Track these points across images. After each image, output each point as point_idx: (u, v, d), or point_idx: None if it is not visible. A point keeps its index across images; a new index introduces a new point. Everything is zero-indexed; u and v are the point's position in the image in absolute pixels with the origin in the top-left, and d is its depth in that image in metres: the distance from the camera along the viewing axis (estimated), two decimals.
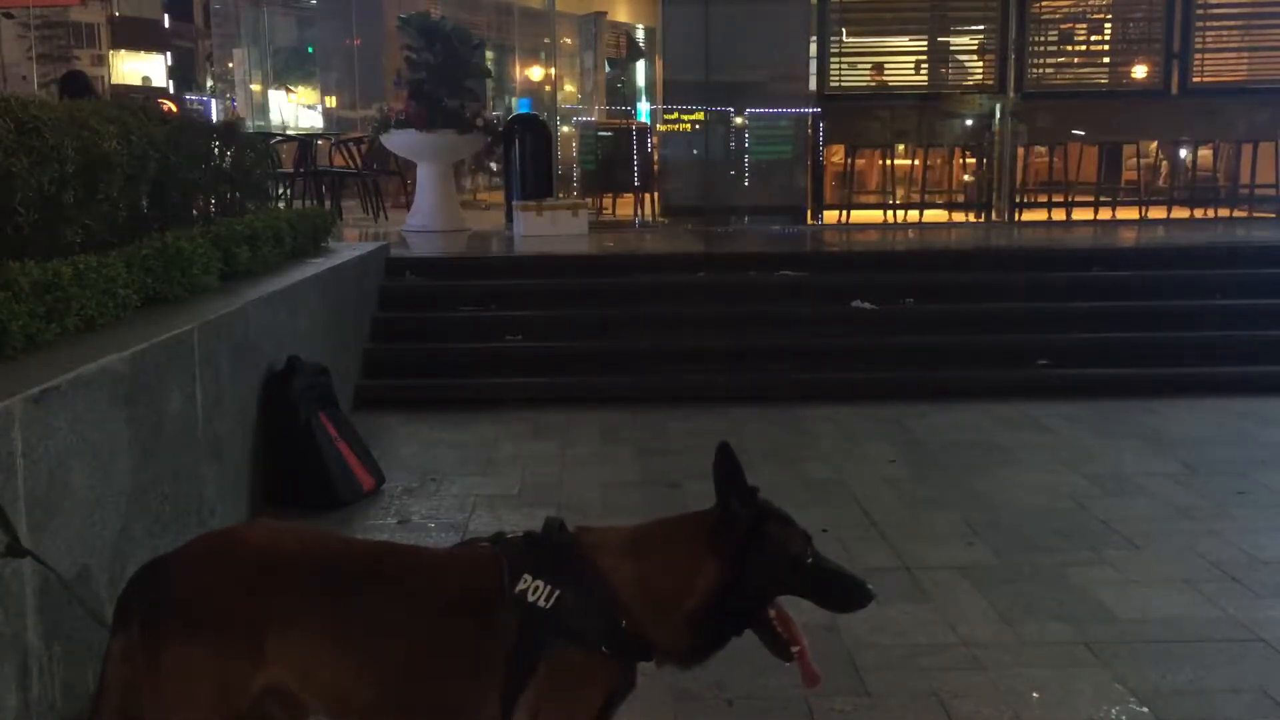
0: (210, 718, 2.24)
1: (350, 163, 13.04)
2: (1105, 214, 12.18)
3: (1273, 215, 11.98)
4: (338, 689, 2.30)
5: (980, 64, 13.13)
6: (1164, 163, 13.01)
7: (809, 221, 12.40)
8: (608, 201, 13.41)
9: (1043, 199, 12.58)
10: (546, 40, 17.21)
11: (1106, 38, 14.05)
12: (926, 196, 12.54)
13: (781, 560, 2.31)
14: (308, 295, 6.24)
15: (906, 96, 12.83)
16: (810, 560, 2.34)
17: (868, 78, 13.00)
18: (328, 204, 11.77)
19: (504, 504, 5.40)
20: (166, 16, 49.61)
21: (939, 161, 13.11)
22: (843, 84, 12.62)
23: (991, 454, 6.24)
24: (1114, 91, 13.27)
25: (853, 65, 12.82)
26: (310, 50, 22.40)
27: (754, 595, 2.32)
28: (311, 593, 2.30)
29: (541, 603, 2.25)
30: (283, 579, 2.30)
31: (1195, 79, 12.55)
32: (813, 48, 12.41)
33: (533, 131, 11.85)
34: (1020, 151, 12.43)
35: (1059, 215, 12.21)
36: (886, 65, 13.13)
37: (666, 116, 12.84)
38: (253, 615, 2.25)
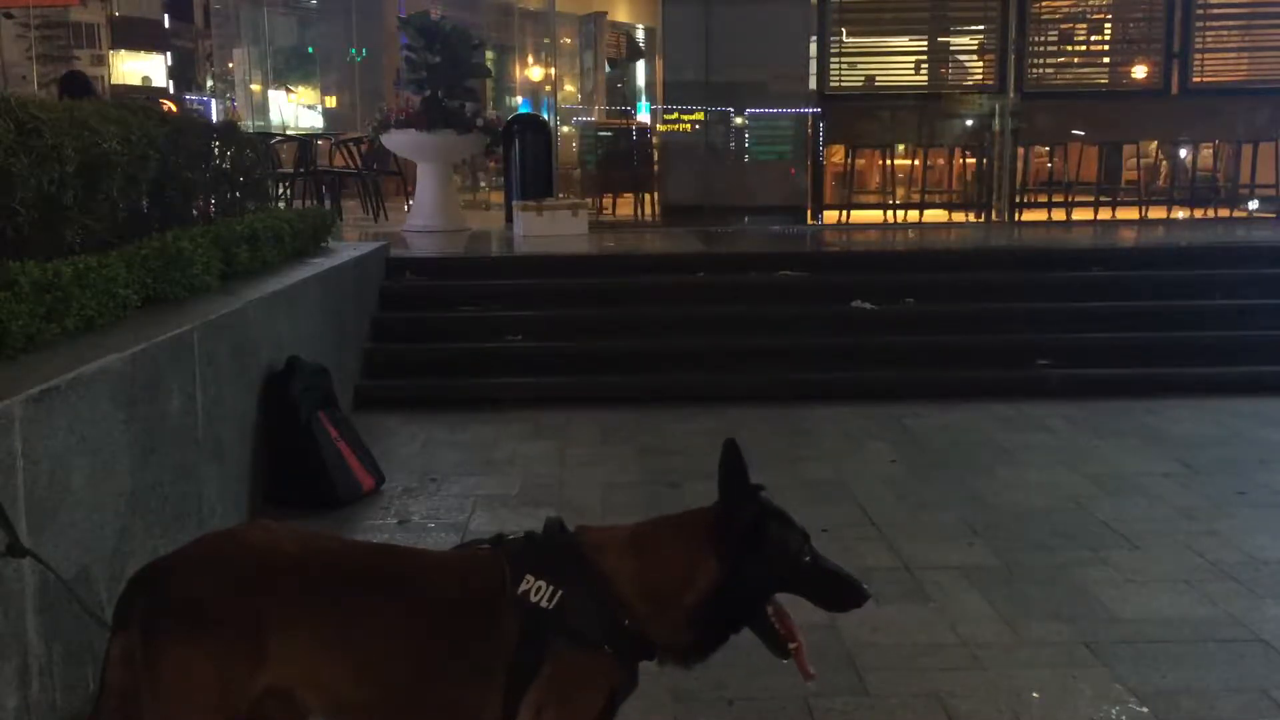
0: (210, 719, 2.24)
1: (350, 163, 13.05)
2: (1105, 214, 12.18)
3: (1273, 215, 11.98)
4: (338, 690, 2.30)
5: (980, 64, 13.13)
6: (1164, 163, 13.01)
7: (809, 221, 12.40)
8: (608, 201, 13.40)
9: (1043, 199, 12.58)
10: (546, 40, 17.21)
11: (1106, 38, 14.04)
12: (926, 196, 12.54)
13: (781, 559, 2.32)
14: (308, 295, 6.24)
15: (906, 96, 12.83)
16: (808, 559, 2.35)
17: (868, 78, 13.00)
18: (328, 204, 11.78)
19: (504, 504, 5.40)
20: (166, 16, 49.62)
21: (939, 161, 13.11)
22: (843, 84, 12.62)
23: (991, 454, 6.24)
24: (1114, 91, 13.27)
25: (853, 65, 12.81)
26: (310, 50, 22.40)
27: (753, 593, 2.33)
28: (312, 594, 2.30)
29: (544, 603, 2.25)
30: (283, 580, 2.30)
31: (1195, 79, 12.55)
32: (813, 48, 12.40)
33: (533, 131, 11.85)
34: (1020, 151, 12.43)
35: (1059, 215, 12.21)
36: (887, 65, 13.13)
37: (666, 116, 12.83)
38: (253, 617, 2.24)
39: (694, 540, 2.33)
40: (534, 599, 2.26)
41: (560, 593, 2.26)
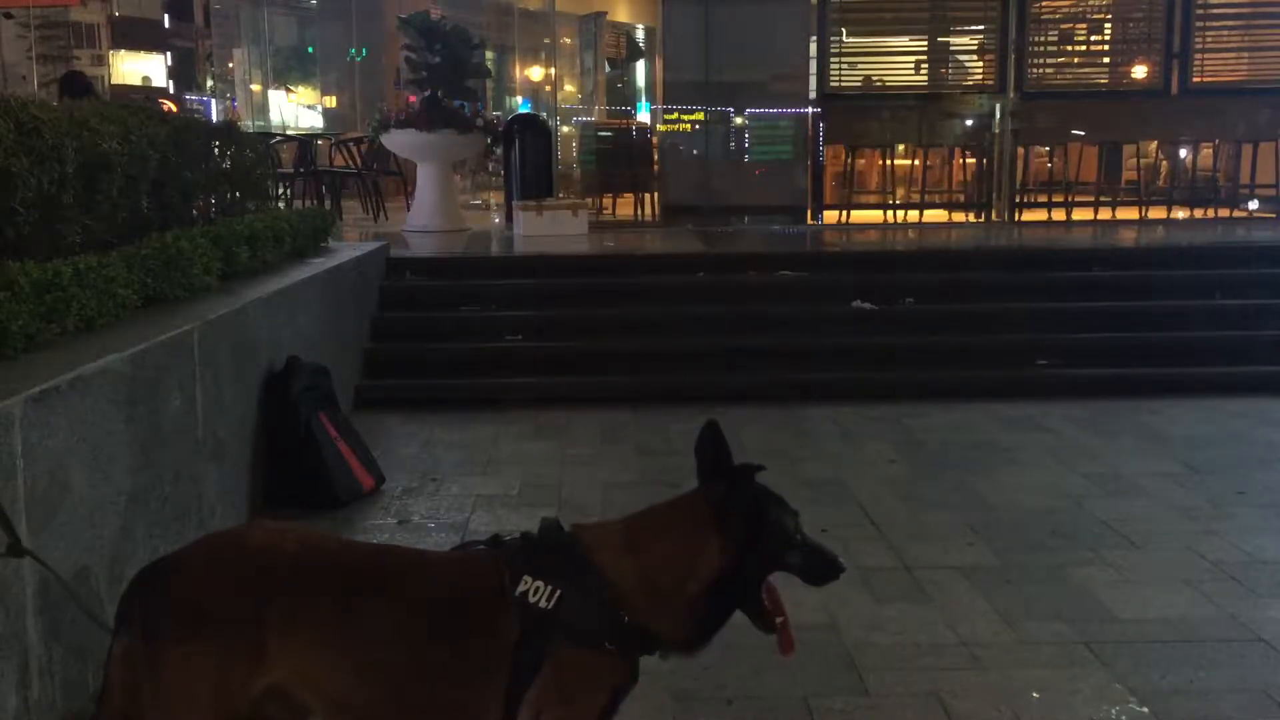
0: (210, 719, 2.24)
1: (350, 163, 13.05)
2: (1105, 214, 12.18)
3: (1273, 215, 11.98)
4: (339, 691, 2.30)
5: (980, 64, 13.12)
6: (1164, 163, 13.01)
7: (809, 221, 12.40)
8: (608, 201, 13.41)
9: (1043, 199, 12.58)
10: (546, 40, 17.20)
11: (1106, 38, 14.03)
12: (926, 196, 12.54)
13: (782, 540, 2.34)
14: (308, 295, 6.24)
15: (906, 96, 12.83)
16: (799, 537, 2.38)
17: (868, 78, 13.00)
18: (328, 204, 11.78)
19: (504, 504, 5.40)
20: (166, 16, 49.61)
21: (939, 161, 13.11)
22: (843, 84, 12.62)
23: (991, 454, 6.24)
24: (1114, 91, 13.26)
25: (853, 65, 12.81)
26: (310, 50, 22.39)
27: (755, 575, 2.34)
28: (313, 594, 2.29)
29: (543, 603, 2.25)
30: (284, 581, 2.30)
31: (1195, 79, 12.53)
32: (813, 48, 12.40)
33: (533, 131, 11.85)
34: (1020, 151, 12.43)
35: (1059, 215, 12.21)
36: (887, 65, 13.13)
37: (666, 116, 12.84)
38: (254, 617, 2.24)
39: (691, 529, 2.33)
40: (533, 599, 2.26)
41: (559, 592, 2.26)
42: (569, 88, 19.31)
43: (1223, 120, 12.34)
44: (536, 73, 18.58)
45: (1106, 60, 14.05)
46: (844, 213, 12.49)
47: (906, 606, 4.22)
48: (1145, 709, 3.46)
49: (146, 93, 39.58)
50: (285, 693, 2.28)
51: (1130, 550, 4.78)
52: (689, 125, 12.64)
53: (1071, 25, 13.98)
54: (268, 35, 20.52)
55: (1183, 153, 12.95)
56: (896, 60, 13.20)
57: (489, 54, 16.38)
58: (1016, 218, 12.29)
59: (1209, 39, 12.80)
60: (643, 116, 17.01)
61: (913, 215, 12.39)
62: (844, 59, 12.67)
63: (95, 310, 4.06)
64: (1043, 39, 13.20)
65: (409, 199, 12.40)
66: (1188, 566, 4.59)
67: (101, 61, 43.58)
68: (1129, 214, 12.25)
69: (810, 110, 12.45)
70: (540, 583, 2.27)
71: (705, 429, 2.37)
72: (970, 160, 12.92)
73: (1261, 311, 8.25)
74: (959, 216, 12.65)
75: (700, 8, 12.04)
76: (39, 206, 4.08)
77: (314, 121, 22.18)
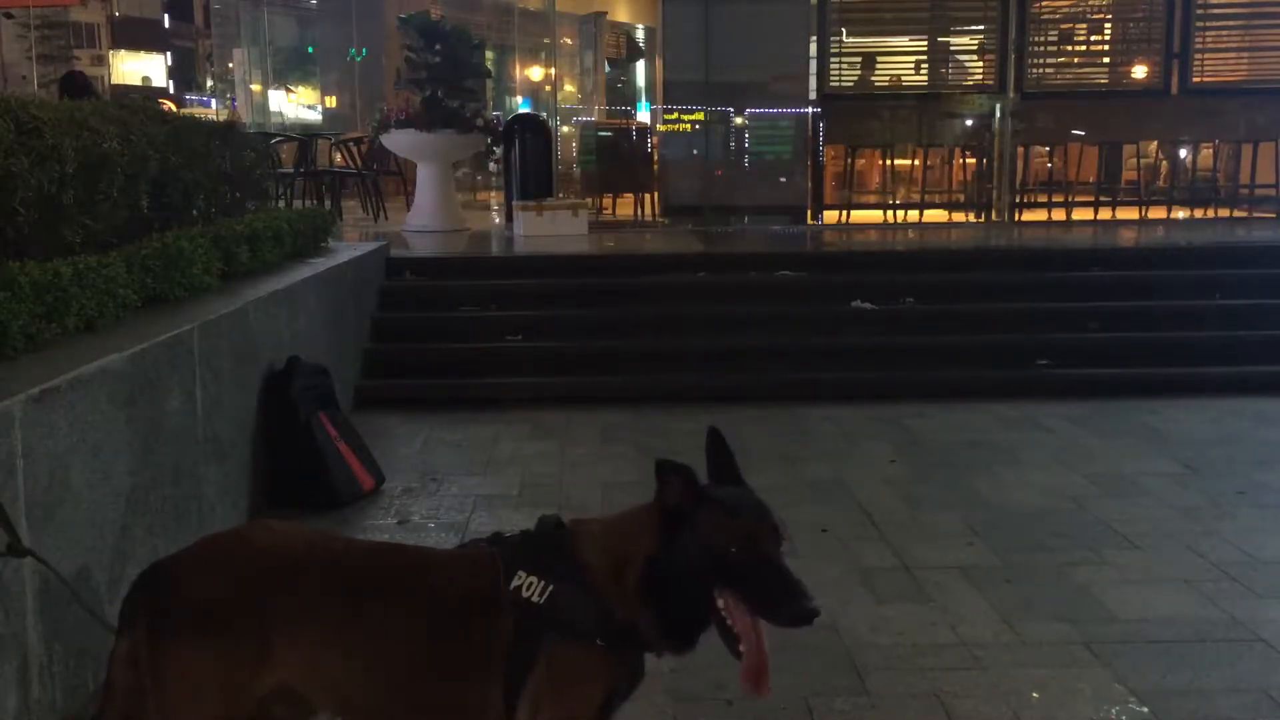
0: (215, 719, 2.24)
1: (350, 163, 13.04)
2: (1105, 214, 12.18)
3: (1273, 215, 11.98)
4: (343, 689, 2.30)
5: (980, 64, 13.12)
6: (1164, 163, 13.01)
7: (809, 221, 12.41)
8: (608, 201, 13.41)
9: (1043, 199, 12.58)
10: (546, 40, 17.20)
11: (1106, 38, 14.04)
12: (926, 196, 12.54)
13: (701, 548, 2.21)
14: (308, 295, 6.24)
15: (906, 96, 12.83)
16: (744, 556, 2.19)
17: (867, 78, 13.01)
18: (328, 204, 11.78)
19: (504, 504, 5.40)
20: (166, 16, 49.66)
21: (939, 161, 13.11)
22: (843, 84, 12.62)
23: (991, 454, 6.24)
24: (1114, 91, 13.26)
25: (853, 65, 12.81)
26: (310, 50, 22.38)
27: (685, 579, 2.23)
28: (315, 594, 2.30)
29: (535, 598, 2.25)
30: (287, 580, 2.30)
31: (1195, 79, 12.54)
32: (813, 48, 12.40)
33: (533, 131, 11.86)
34: (1020, 151, 12.43)
35: (1059, 215, 12.21)
36: (887, 65, 13.14)
37: (666, 116, 12.84)
38: (257, 616, 2.25)
39: (641, 524, 2.31)
40: (526, 594, 2.26)
41: (550, 588, 2.26)
42: (569, 88, 19.31)
43: (1223, 120, 12.34)
44: (536, 73, 18.56)
45: (1106, 60, 14.05)
46: (844, 213, 12.49)
47: (906, 606, 4.22)
48: (1145, 709, 3.46)
49: (146, 93, 39.61)
50: (290, 692, 2.28)
51: (1131, 550, 4.79)
52: (689, 125, 12.64)
53: (1071, 25, 13.98)
54: (268, 35, 20.50)
55: (1183, 153, 12.96)
56: (896, 60, 13.20)
57: (489, 54, 16.37)
58: (1016, 218, 12.29)
59: (1209, 39, 12.80)
60: (643, 116, 17.01)
61: (913, 215, 12.39)
62: (844, 59, 12.67)
63: (95, 310, 4.06)
64: (1043, 39, 13.20)
65: (409, 199, 12.40)
66: (1188, 566, 4.59)
67: (101, 61, 43.62)
68: (1129, 214, 12.26)
69: (810, 110, 12.45)
70: (534, 578, 2.27)
71: (707, 435, 2.36)
72: (970, 160, 12.92)
73: (1261, 311, 8.24)
74: (959, 216, 12.65)
75: (700, 8, 12.04)
76: (39, 206, 4.08)
77: (314, 121, 22.17)
